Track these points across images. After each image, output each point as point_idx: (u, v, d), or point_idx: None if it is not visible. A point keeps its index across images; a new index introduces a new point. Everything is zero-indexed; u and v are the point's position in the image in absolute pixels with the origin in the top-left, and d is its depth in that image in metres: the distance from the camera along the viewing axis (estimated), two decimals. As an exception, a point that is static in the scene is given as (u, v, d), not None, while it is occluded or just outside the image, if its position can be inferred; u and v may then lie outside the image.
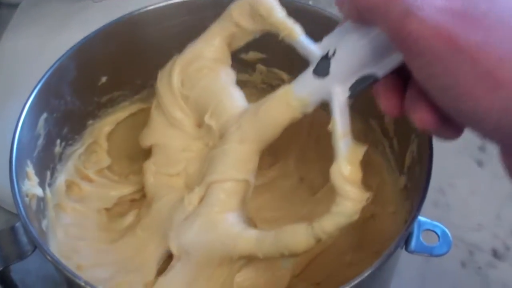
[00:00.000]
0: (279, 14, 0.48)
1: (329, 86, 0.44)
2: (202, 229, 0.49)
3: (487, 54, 0.32)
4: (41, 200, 0.51)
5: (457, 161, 0.70)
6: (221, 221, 0.49)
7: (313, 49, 0.45)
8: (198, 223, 0.49)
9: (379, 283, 0.50)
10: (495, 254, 0.64)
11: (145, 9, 0.56)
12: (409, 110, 0.39)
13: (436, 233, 0.51)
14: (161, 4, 0.56)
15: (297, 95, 0.46)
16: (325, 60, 0.43)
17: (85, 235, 0.54)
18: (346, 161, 0.44)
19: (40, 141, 0.51)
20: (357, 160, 0.44)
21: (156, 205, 0.54)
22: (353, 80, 0.43)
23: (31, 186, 0.49)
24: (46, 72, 0.51)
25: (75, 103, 0.55)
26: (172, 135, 0.55)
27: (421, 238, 0.50)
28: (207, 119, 0.52)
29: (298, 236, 0.46)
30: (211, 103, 0.52)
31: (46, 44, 0.69)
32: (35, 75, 0.51)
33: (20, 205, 0.45)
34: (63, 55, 0.52)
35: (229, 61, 0.54)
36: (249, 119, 0.49)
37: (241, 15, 0.50)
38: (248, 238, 0.48)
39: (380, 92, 0.41)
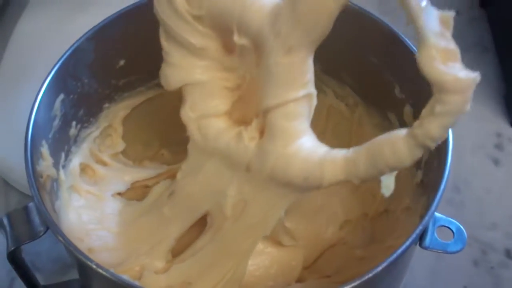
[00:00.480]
0: None
1: None
2: (277, 170, 0.43)
3: None
4: (55, 181, 0.51)
5: (473, 159, 0.69)
6: (295, 153, 0.42)
7: None
8: (270, 164, 0.43)
9: (392, 279, 0.50)
10: (508, 254, 0.64)
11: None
12: None
13: (451, 230, 0.51)
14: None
15: None
16: None
17: (97, 219, 0.54)
18: (435, 36, 0.35)
19: (56, 122, 0.51)
20: (449, 33, 0.35)
21: (205, 167, 0.47)
22: None
23: (46, 166, 0.49)
24: (64, 53, 0.51)
25: (92, 86, 0.54)
26: (201, 66, 0.45)
27: (435, 235, 0.49)
28: (236, 39, 0.42)
29: (399, 151, 0.39)
30: (232, 15, 0.42)
31: (64, 26, 0.69)
32: (53, 56, 0.50)
33: (34, 185, 0.44)
34: (81, 37, 0.51)
35: None
36: (287, 21, 0.40)
37: None
38: (335, 162, 0.42)
39: None
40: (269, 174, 0.43)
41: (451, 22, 0.35)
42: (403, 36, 0.52)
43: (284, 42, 0.41)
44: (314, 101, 0.43)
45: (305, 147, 0.42)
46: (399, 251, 0.43)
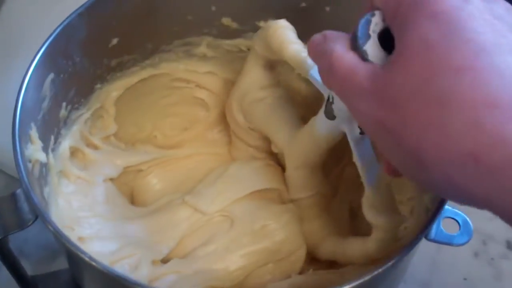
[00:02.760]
0: (290, 49, 0.48)
1: (340, 126, 0.45)
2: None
3: (409, 136, 0.32)
4: (44, 166, 0.48)
5: None
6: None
7: (321, 86, 0.45)
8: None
9: (398, 272, 0.48)
10: (509, 245, 0.63)
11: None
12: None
13: (457, 222, 0.49)
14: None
15: (318, 132, 0.48)
16: (329, 105, 0.45)
17: (88, 205, 0.52)
18: (373, 190, 0.44)
19: (46, 104, 0.48)
20: (384, 186, 0.45)
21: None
22: None
23: (34, 150, 0.46)
24: (55, 30, 0.47)
25: (83, 65, 0.51)
26: (254, 152, 0.58)
27: (441, 226, 0.48)
28: (273, 148, 0.55)
29: (355, 253, 0.49)
30: (268, 134, 0.54)
31: (55, 2, 0.66)
32: (43, 33, 0.48)
33: (23, 171, 0.42)
34: (73, 13, 0.48)
35: (277, 80, 0.55)
36: (293, 148, 0.52)
37: (263, 48, 0.52)
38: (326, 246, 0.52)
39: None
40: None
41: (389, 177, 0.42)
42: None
43: (292, 162, 0.52)
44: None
45: (315, 228, 0.53)
46: (411, 244, 0.41)
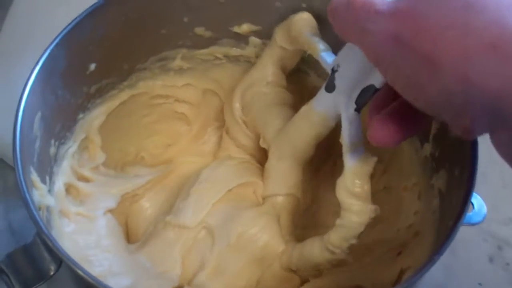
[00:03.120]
0: (307, 34, 0.50)
1: (337, 100, 0.45)
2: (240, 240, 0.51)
3: (424, 40, 0.32)
4: (46, 210, 0.45)
5: (490, 153, 0.67)
6: (263, 235, 0.51)
7: (328, 65, 0.46)
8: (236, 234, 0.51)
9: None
10: (524, 250, 0.63)
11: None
12: (373, 126, 0.40)
13: (471, 203, 0.50)
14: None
15: (316, 111, 0.48)
16: (332, 74, 0.45)
17: (94, 242, 0.49)
18: (352, 173, 0.44)
19: (37, 144, 0.46)
20: (366, 173, 0.44)
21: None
22: (357, 93, 0.44)
23: (41, 196, 0.43)
24: (36, 63, 0.45)
25: (65, 97, 0.49)
26: (240, 152, 0.57)
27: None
28: (261, 143, 0.54)
29: (315, 250, 0.47)
30: (261, 126, 0.54)
31: (58, 5, 0.65)
32: (53, 28, 0.47)
33: (39, 220, 0.39)
34: (51, 42, 0.46)
35: (284, 83, 0.55)
36: (282, 137, 0.51)
37: (282, 38, 0.53)
38: (281, 254, 0.50)
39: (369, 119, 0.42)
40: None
41: (371, 166, 0.44)
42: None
43: (278, 152, 0.52)
44: (300, 205, 0.53)
45: (271, 234, 0.51)
46: (454, 231, 0.40)
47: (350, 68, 0.43)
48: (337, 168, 0.58)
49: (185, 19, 0.54)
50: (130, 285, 0.47)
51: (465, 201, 0.42)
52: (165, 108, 0.58)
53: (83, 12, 0.48)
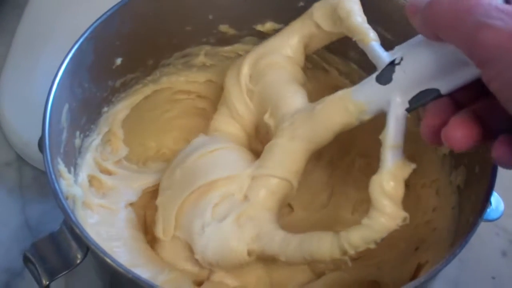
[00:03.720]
0: (357, 18, 0.47)
1: (389, 94, 0.42)
2: (242, 218, 0.48)
3: None
4: (72, 200, 0.46)
5: None
6: (254, 218, 0.48)
7: (382, 56, 0.44)
8: (231, 218, 0.48)
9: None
10: (536, 244, 0.63)
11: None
12: (453, 126, 0.38)
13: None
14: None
15: (355, 99, 0.45)
16: (391, 66, 0.42)
17: (117, 235, 0.50)
18: (390, 174, 0.42)
19: (64, 135, 0.46)
20: (402, 177, 0.42)
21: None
22: (414, 92, 0.41)
23: (68, 186, 0.44)
24: (65, 57, 0.46)
25: (91, 90, 0.50)
26: (230, 123, 0.54)
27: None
28: (266, 118, 0.50)
29: (323, 244, 0.45)
30: (272, 100, 0.50)
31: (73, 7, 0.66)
32: (71, 25, 0.50)
33: (67, 208, 0.40)
34: (81, 36, 0.47)
35: (302, 63, 0.52)
36: (303, 117, 0.48)
37: (322, 15, 0.50)
38: (273, 238, 0.47)
39: (426, 112, 0.41)
40: (237, 216, 0.48)
41: (408, 172, 0.42)
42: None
43: (293, 131, 0.48)
44: (292, 193, 0.50)
45: (262, 217, 0.48)
46: (475, 226, 0.41)
47: (418, 65, 0.41)
48: (355, 166, 0.58)
49: (210, 16, 0.55)
50: (151, 277, 0.47)
51: (487, 198, 0.42)
52: (186, 103, 0.59)
53: (111, 8, 0.49)
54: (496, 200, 0.51)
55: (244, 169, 0.49)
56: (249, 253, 0.47)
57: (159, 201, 0.52)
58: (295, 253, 0.46)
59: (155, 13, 0.52)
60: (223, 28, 0.55)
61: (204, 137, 0.53)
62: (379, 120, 0.56)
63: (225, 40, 0.56)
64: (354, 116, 0.45)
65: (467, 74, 0.39)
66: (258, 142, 0.54)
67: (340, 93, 0.46)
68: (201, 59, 0.57)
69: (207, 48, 0.57)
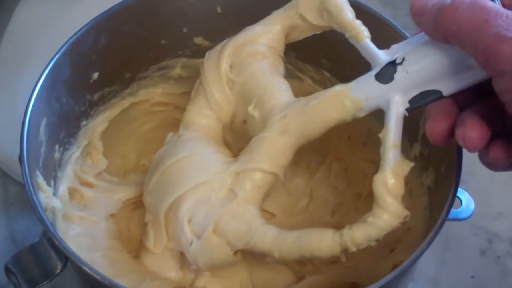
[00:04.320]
0: (348, 14, 0.47)
1: (389, 93, 0.43)
2: (224, 219, 0.47)
3: None
4: (51, 212, 0.47)
5: None
6: (238, 214, 0.47)
7: (378, 54, 0.44)
8: (209, 229, 0.47)
9: (413, 269, 0.50)
10: (513, 243, 0.65)
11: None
12: (456, 126, 0.40)
13: (458, 198, 0.52)
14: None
15: (353, 96, 0.44)
16: (392, 66, 0.42)
17: (98, 245, 0.51)
18: (392, 173, 0.43)
19: (43, 149, 0.48)
20: (402, 175, 0.43)
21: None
22: (415, 92, 0.42)
23: (47, 198, 0.45)
24: (42, 73, 0.47)
25: (69, 104, 0.51)
26: (207, 115, 0.52)
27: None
28: (251, 109, 0.49)
29: (324, 241, 0.45)
30: (257, 91, 0.49)
31: (63, 13, 0.66)
32: (52, 44, 0.49)
33: (45, 219, 0.41)
34: (57, 52, 0.48)
35: (282, 52, 0.52)
36: (296, 111, 0.47)
37: (308, 8, 0.49)
38: (266, 234, 0.47)
39: (432, 114, 0.42)
40: (215, 222, 0.48)
41: (407, 170, 0.43)
42: (382, 14, 0.52)
43: (285, 125, 0.47)
44: (274, 186, 0.49)
45: (250, 213, 0.48)
46: (440, 226, 0.43)
47: (421, 66, 0.41)
48: (332, 171, 0.60)
49: (185, 30, 0.56)
50: (132, 286, 0.48)
51: (452, 195, 0.44)
52: (164, 115, 0.60)
53: (86, 24, 0.50)
54: (467, 200, 0.52)
55: (218, 171, 0.49)
56: (236, 253, 0.48)
57: (147, 218, 0.52)
58: (291, 249, 0.46)
59: (130, 27, 0.53)
60: (198, 40, 0.57)
61: (171, 143, 0.53)
62: (354, 126, 0.58)
63: (200, 52, 0.57)
64: (350, 112, 0.45)
65: (470, 77, 0.40)
66: (229, 132, 0.53)
67: (337, 88, 0.46)
68: (177, 71, 0.58)
69: (183, 60, 0.58)
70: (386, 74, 0.43)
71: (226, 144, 0.53)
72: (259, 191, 0.48)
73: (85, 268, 0.40)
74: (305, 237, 0.45)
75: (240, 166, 0.48)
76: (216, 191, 0.48)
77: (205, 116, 0.52)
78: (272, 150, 0.48)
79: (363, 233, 0.43)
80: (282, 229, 0.47)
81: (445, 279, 0.61)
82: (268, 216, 0.58)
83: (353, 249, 0.44)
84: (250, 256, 0.51)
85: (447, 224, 0.60)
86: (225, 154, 0.51)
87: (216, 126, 0.52)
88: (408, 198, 0.54)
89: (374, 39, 0.45)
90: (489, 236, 0.64)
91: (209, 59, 0.52)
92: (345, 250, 0.44)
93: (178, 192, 0.49)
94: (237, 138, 0.53)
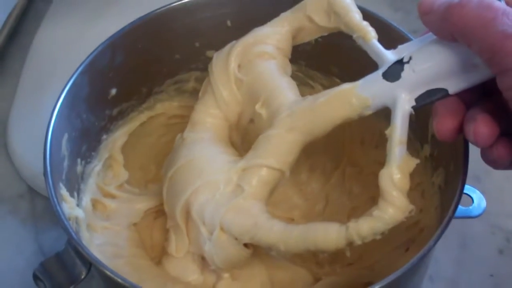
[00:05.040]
0: (356, 15, 0.48)
1: (396, 91, 0.43)
2: (229, 215, 0.48)
3: None
4: (76, 223, 0.50)
5: None
6: (245, 209, 0.48)
7: (385, 53, 0.45)
8: (226, 208, 0.48)
9: (423, 266, 0.51)
10: (531, 241, 0.65)
11: (151, 14, 0.55)
12: (466, 123, 0.41)
13: (470, 197, 0.53)
14: (158, 10, 0.55)
15: (360, 94, 0.45)
16: (399, 64, 0.43)
17: (121, 253, 0.53)
18: (398, 168, 0.43)
19: (66, 163, 0.50)
20: (408, 171, 0.44)
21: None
22: (422, 90, 0.43)
23: (70, 208, 0.48)
24: (62, 90, 0.50)
25: (90, 120, 0.54)
26: (214, 115, 0.53)
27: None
28: (258, 107, 0.50)
29: (329, 234, 0.45)
30: (265, 90, 0.50)
31: (83, 34, 0.70)
32: (73, 64, 0.51)
33: (68, 227, 0.43)
34: (75, 72, 0.51)
35: (289, 54, 0.53)
36: (303, 108, 0.48)
37: (316, 9, 0.50)
38: (272, 228, 0.47)
39: (439, 112, 0.43)
40: (221, 216, 0.48)
41: (413, 166, 0.44)
42: (389, 21, 0.53)
43: (292, 122, 0.48)
44: (283, 181, 0.50)
45: (256, 208, 0.48)
46: (446, 224, 0.44)
47: (428, 65, 0.42)
48: (346, 175, 0.61)
49: (197, 44, 0.58)
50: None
51: (460, 191, 0.45)
52: (181, 127, 0.59)
53: (102, 43, 0.53)
54: (478, 198, 0.53)
55: (224, 169, 0.50)
56: (248, 247, 0.49)
57: (168, 224, 0.54)
58: (297, 243, 0.46)
59: (144, 44, 0.56)
60: (210, 53, 0.58)
61: (177, 147, 0.54)
62: (366, 129, 0.59)
63: None
64: (356, 110, 0.46)
65: (476, 76, 0.41)
66: (236, 132, 0.54)
67: (344, 86, 0.46)
68: (191, 84, 0.61)
69: (197, 73, 0.60)
70: (393, 72, 0.44)
71: (232, 144, 0.54)
72: (265, 187, 0.49)
73: (107, 272, 0.42)
74: (311, 231, 0.46)
75: (247, 162, 0.49)
76: (222, 188, 0.49)
77: (212, 115, 0.53)
78: (279, 147, 0.48)
79: (368, 226, 0.44)
80: (287, 223, 0.48)
81: (464, 279, 0.62)
82: (287, 221, 0.58)
83: (358, 242, 0.44)
84: (268, 258, 0.53)
85: (463, 224, 0.62)
86: (231, 154, 0.52)
87: (223, 125, 0.53)
88: (420, 198, 0.55)
89: (381, 43, 0.47)
90: (507, 234, 0.64)
91: (218, 59, 0.53)
92: (350, 244, 0.45)
93: (186, 194, 0.50)
94: (243, 138, 0.54)
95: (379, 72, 0.45)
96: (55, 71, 0.69)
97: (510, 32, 0.36)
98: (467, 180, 0.46)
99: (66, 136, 0.50)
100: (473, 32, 0.37)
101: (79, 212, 0.49)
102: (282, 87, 0.50)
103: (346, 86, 0.46)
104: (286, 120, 0.48)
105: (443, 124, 0.42)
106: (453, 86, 0.42)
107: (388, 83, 0.44)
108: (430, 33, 0.43)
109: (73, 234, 0.43)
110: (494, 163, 0.42)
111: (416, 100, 0.43)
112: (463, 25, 0.38)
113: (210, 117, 0.53)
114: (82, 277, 0.44)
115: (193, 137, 0.53)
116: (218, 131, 0.53)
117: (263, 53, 0.52)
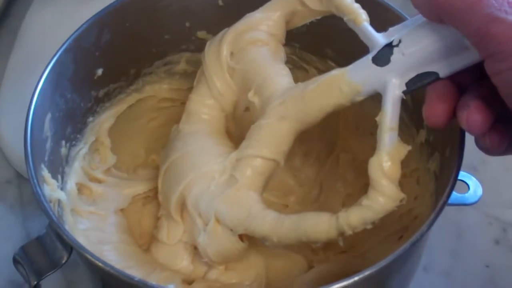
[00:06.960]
0: None
1: (386, 76, 0.42)
2: (223, 205, 0.47)
3: None
4: (59, 205, 0.48)
5: None
6: (238, 200, 0.47)
7: (376, 37, 0.44)
8: (220, 199, 0.48)
9: (420, 248, 0.49)
10: (528, 232, 0.64)
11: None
12: (459, 109, 0.40)
13: (465, 183, 0.52)
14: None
15: (350, 80, 0.44)
16: (388, 48, 0.42)
17: (107, 239, 0.51)
18: (388, 156, 0.42)
19: (48, 144, 0.48)
20: (399, 158, 0.43)
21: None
22: (412, 75, 0.42)
23: (52, 190, 0.46)
24: (44, 69, 0.48)
25: (74, 100, 0.52)
26: (209, 105, 0.53)
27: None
28: (250, 96, 0.49)
29: (320, 225, 0.45)
30: (257, 78, 0.49)
31: (72, 17, 0.65)
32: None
33: (49, 209, 0.42)
34: (59, 48, 0.49)
35: (283, 39, 0.52)
36: (294, 96, 0.47)
37: None
38: (265, 219, 0.46)
39: (429, 96, 0.41)
40: (215, 207, 0.48)
41: (404, 153, 0.43)
42: (387, 3, 0.52)
43: (283, 110, 0.47)
44: (277, 171, 0.49)
45: (251, 199, 0.48)
46: (439, 210, 0.42)
47: (417, 48, 0.41)
48: (340, 162, 0.60)
49: (187, 24, 0.57)
50: (142, 277, 0.48)
51: (454, 176, 0.43)
52: (172, 111, 0.60)
53: (88, 19, 0.51)
54: (474, 184, 0.52)
55: (218, 160, 0.49)
56: (242, 239, 0.48)
57: (161, 212, 0.53)
58: (289, 233, 0.46)
59: (133, 23, 0.54)
60: (201, 34, 0.57)
61: (172, 139, 0.53)
62: (361, 116, 0.58)
63: (204, 46, 0.56)
64: (347, 97, 0.45)
65: (467, 58, 0.40)
66: (232, 122, 0.54)
67: (334, 72, 0.45)
68: (182, 66, 0.59)
69: (187, 55, 0.58)
70: (383, 56, 0.42)
71: (229, 134, 0.54)
72: (259, 177, 0.48)
73: (88, 256, 0.40)
74: (302, 221, 0.45)
75: (240, 153, 0.48)
76: (217, 178, 0.48)
77: (207, 106, 0.52)
78: (271, 137, 0.48)
79: (358, 216, 0.43)
80: (280, 214, 0.47)
81: (459, 270, 0.61)
82: (282, 207, 0.58)
83: (349, 232, 0.43)
84: (265, 247, 0.52)
85: (459, 214, 0.61)
86: (227, 145, 0.52)
87: (219, 116, 0.53)
88: (415, 185, 0.54)
89: (377, 24, 0.45)
90: (503, 225, 0.63)
91: (210, 47, 0.53)
92: (341, 234, 0.44)
93: (181, 186, 0.49)
94: (239, 127, 0.53)
95: (369, 56, 0.44)
96: (44, 55, 0.66)
97: (496, 14, 0.35)
98: (464, 169, 0.45)
99: (49, 115, 0.48)
100: (459, 14, 0.36)
101: (61, 195, 0.47)
102: (274, 74, 0.49)
103: (336, 72, 0.45)
104: (277, 109, 0.47)
105: (433, 109, 0.41)
106: (444, 69, 0.41)
107: (378, 68, 0.43)
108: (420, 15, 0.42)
109: (53, 216, 0.41)
110: (487, 150, 0.41)
111: (407, 84, 0.42)
112: (449, 7, 0.37)
113: (206, 108, 0.52)
114: (63, 261, 0.42)
115: (189, 129, 0.52)
116: (214, 122, 0.53)
117: (255, 39, 0.51)
